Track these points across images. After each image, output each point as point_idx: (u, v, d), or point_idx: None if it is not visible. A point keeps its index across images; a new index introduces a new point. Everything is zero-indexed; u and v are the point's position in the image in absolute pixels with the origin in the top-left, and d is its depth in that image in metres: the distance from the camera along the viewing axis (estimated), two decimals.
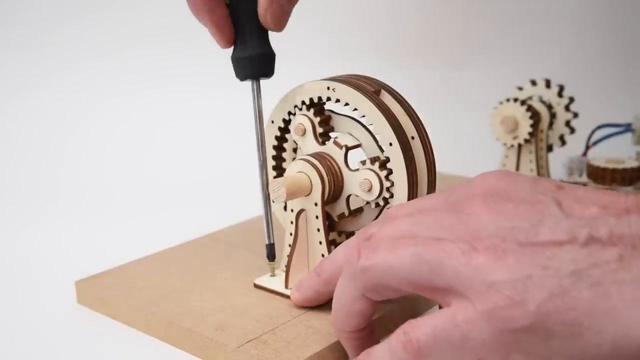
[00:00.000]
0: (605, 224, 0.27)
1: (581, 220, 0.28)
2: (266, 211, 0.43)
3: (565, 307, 0.26)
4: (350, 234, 0.45)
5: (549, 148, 0.66)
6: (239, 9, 0.40)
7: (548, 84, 0.66)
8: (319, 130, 0.43)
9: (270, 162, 0.46)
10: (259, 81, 0.42)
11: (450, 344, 0.28)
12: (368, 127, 0.41)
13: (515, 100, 0.63)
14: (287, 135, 0.46)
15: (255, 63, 0.41)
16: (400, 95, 0.42)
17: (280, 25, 0.41)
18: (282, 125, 0.45)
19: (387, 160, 0.40)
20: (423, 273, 0.29)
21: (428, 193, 0.41)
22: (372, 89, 0.41)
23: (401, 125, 0.40)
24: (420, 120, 0.41)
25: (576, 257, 0.27)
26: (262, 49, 0.41)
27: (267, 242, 0.44)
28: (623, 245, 0.27)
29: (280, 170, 0.46)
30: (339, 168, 0.42)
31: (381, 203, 0.41)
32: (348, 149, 0.41)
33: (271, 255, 0.44)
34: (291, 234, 0.43)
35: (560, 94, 0.66)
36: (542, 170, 0.65)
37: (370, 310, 0.33)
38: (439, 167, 0.42)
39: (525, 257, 0.27)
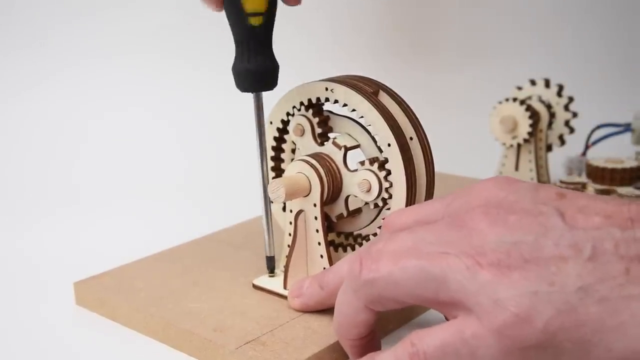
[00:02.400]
0: (609, 236, 0.27)
1: (585, 233, 0.27)
2: (267, 224, 0.43)
3: (573, 324, 0.26)
4: (349, 235, 0.45)
5: (548, 148, 0.66)
6: (239, 19, 0.39)
7: (547, 83, 0.66)
8: (318, 130, 0.43)
9: (269, 163, 0.46)
10: (261, 94, 0.42)
11: (457, 358, 0.28)
12: (367, 127, 0.41)
13: (515, 100, 0.63)
14: (285, 136, 0.46)
15: (256, 77, 0.40)
16: (398, 96, 0.42)
17: None
18: (280, 126, 0.45)
19: (386, 160, 0.40)
20: (427, 286, 0.29)
21: (427, 193, 0.41)
22: (370, 89, 0.41)
23: (399, 126, 0.40)
24: (418, 121, 0.41)
25: (582, 272, 0.27)
26: (264, 62, 0.40)
27: (267, 255, 0.44)
28: (629, 257, 0.26)
29: (279, 171, 0.46)
30: (337, 169, 0.42)
31: (380, 204, 0.41)
32: (347, 149, 0.41)
33: (271, 267, 0.44)
34: (290, 235, 0.43)
35: (559, 94, 0.66)
36: (541, 170, 0.65)
37: (373, 320, 0.33)
38: (438, 167, 0.42)
39: (530, 273, 0.27)
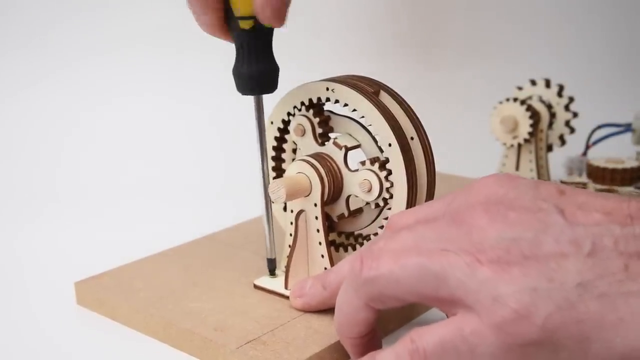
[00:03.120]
0: (609, 232, 0.27)
1: (585, 229, 0.27)
2: (268, 226, 0.43)
3: (572, 320, 0.26)
4: (349, 235, 0.45)
5: (549, 148, 0.66)
6: (232, 23, 0.39)
7: (548, 83, 0.66)
8: (319, 130, 0.43)
9: (270, 163, 0.46)
10: (261, 96, 0.41)
11: (457, 355, 0.28)
12: (367, 127, 0.41)
13: (515, 100, 0.63)
14: (286, 136, 0.46)
15: (257, 79, 0.40)
16: (399, 96, 0.42)
17: (281, 20, 0.37)
18: (281, 125, 0.45)
19: (387, 160, 0.40)
20: (427, 284, 0.29)
21: (428, 193, 0.41)
22: (371, 89, 0.41)
23: (400, 126, 0.40)
24: (419, 121, 0.41)
25: (581, 268, 0.27)
26: (265, 64, 0.40)
27: (267, 257, 0.44)
28: (628, 254, 0.27)
29: (279, 171, 0.46)
30: (338, 168, 0.42)
31: (381, 203, 0.41)
32: (347, 149, 0.41)
33: (271, 269, 0.44)
34: (291, 235, 0.43)
35: (559, 94, 0.66)
36: (542, 170, 0.65)
37: (374, 318, 0.33)
38: (439, 167, 0.42)
39: (530, 270, 0.27)
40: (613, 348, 0.26)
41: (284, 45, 0.49)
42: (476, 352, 0.28)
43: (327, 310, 0.40)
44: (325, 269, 0.42)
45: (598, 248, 0.27)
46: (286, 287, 0.43)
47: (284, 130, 0.45)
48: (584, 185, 0.60)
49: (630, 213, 0.28)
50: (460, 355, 0.28)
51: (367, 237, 0.43)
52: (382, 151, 0.40)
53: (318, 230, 0.42)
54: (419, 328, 0.29)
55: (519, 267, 0.27)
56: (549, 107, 0.65)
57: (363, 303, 0.32)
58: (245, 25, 0.38)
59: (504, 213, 0.29)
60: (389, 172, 0.40)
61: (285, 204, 0.44)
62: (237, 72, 0.40)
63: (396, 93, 0.42)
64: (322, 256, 0.42)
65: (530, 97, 0.66)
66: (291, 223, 0.43)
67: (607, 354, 0.26)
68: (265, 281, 0.44)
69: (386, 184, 0.40)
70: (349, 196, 0.42)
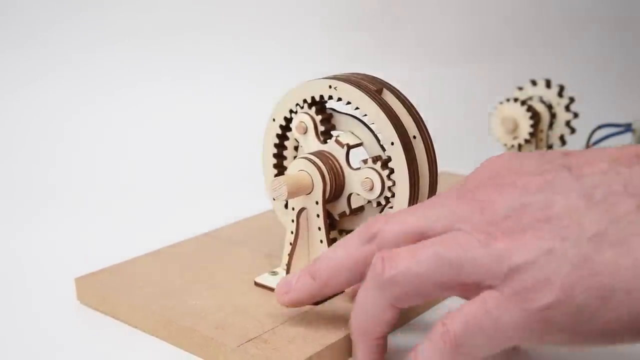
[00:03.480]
0: (618, 177, 0.27)
1: (593, 179, 0.27)
2: None
3: (589, 274, 0.26)
4: (350, 232, 0.45)
5: (549, 148, 0.66)
6: None
7: (548, 84, 0.66)
8: (321, 128, 0.43)
9: (272, 161, 0.46)
10: None
11: (483, 331, 0.28)
12: (370, 125, 0.41)
13: (516, 100, 0.63)
14: (288, 134, 0.46)
15: None
16: (402, 95, 0.42)
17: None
18: (283, 123, 0.45)
19: (389, 159, 0.40)
20: (447, 273, 0.29)
21: (429, 192, 0.41)
22: (374, 87, 0.41)
23: (403, 125, 0.40)
24: (422, 120, 0.41)
25: (594, 219, 0.26)
26: None
27: None
28: None
29: (281, 169, 0.46)
30: (340, 167, 0.42)
31: (382, 202, 0.40)
32: (349, 147, 0.41)
33: None
34: (292, 233, 0.43)
35: (560, 94, 0.66)
36: None
37: (397, 318, 0.33)
38: (440, 167, 0.42)
39: (543, 232, 0.27)
40: (634, 293, 0.25)
41: (288, 42, 0.49)
42: (499, 324, 0.28)
43: (328, 308, 0.40)
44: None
45: (608, 194, 0.26)
46: None
47: (286, 128, 0.45)
48: None
49: (637, 152, 0.27)
50: (485, 330, 0.28)
51: None
52: (384, 150, 0.40)
53: (319, 228, 0.42)
54: (451, 312, 0.29)
55: (532, 231, 0.27)
56: (550, 107, 0.65)
57: (388, 303, 0.32)
58: None
59: (512, 182, 0.29)
60: (391, 171, 0.40)
61: (287, 201, 0.44)
62: None
63: (399, 91, 0.42)
64: None
65: (530, 98, 0.66)
66: (292, 221, 0.43)
67: (628, 300, 0.25)
68: (266, 279, 0.44)
69: (388, 183, 0.40)
70: (350, 194, 0.42)
